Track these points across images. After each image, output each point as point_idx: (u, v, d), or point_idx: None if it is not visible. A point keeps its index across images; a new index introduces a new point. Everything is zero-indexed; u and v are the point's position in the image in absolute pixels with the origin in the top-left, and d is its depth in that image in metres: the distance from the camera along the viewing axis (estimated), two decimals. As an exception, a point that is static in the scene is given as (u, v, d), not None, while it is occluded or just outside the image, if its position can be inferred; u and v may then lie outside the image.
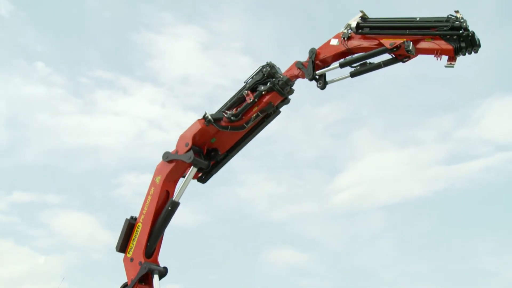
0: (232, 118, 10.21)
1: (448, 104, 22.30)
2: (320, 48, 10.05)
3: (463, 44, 8.94)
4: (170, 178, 10.22)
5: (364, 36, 9.68)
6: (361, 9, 9.86)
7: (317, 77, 9.98)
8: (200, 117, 10.14)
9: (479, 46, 9.00)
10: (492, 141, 21.75)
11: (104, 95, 23.13)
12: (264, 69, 10.16)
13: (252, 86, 10.20)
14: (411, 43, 9.20)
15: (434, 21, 9.16)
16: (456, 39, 8.98)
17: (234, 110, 10.28)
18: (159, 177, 10.19)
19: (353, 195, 22.06)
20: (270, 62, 10.21)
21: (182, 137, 10.17)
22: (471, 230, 20.77)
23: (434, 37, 9.13)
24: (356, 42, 9.72)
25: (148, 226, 10.00)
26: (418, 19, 9.24)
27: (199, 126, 10.09)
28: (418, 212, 21.56)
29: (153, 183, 10.22)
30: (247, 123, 10.23)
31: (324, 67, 10.02)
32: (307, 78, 10.04)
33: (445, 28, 9.03)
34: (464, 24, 8.95)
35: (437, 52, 9.10)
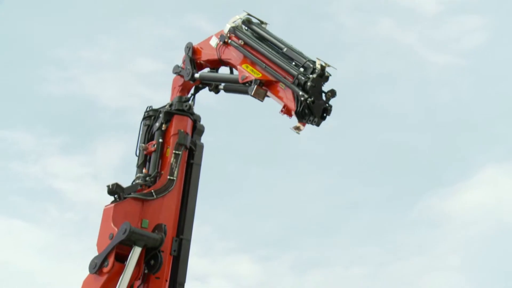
0: (147, 178, 7.44)
1: None
2: (200, 44, 7.97)
3: (306, 110, 6.48)
4: None
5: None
6: (245, 9, 7.62)
7: (197, 76, 7.77)
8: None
9: (321, 119, 6.56)
10: None
11: None
12: (146, 114, 7.96)
13: (147, 137, 7.84)
14: (255, 87, 6.83)
15: (290, 64, 6.77)
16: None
17: (145, 171, 7.58)
18: None
19: None
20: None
21: (99, 240, 7.10)
22: None
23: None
24: (228, 53, 7.49)
25: None
26: (285, 50, 6.90)
27: (110, 211, 7.14)
28: None
29: None
30: (171, 175, 7.40)
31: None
32: (185, 79, 7.86)
33: (289, 80, 6.61)
34: (311, 84, 6.42)
35: (283, 108, 6.74)
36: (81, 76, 19.14)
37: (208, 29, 17.49)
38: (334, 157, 18.37)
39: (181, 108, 7.75)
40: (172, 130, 7.63)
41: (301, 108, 6.45)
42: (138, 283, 7.02)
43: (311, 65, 6.54)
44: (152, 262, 6.98)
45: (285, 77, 6.64)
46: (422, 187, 18.70)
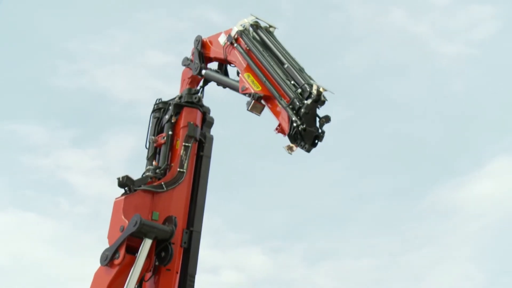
0: (157, 171, 7.44)
1: None
2: (209, 38, 7.96)
3: (298, 135, 6.49)
4: None
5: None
6: (252, 13, 7.62)
7: (203, 73, 7.79)
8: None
9: (312, 146, 6.53)
10: None
11: None
12: (156, 106, 7.96)
13: (156, 129, 7.83)
14: (253, 102, 6.89)
15: (288, 84, 6.74)
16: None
17: (155, 163, 7.58)
18: None
19: None
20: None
21: (110, 233, 7.11)
22: None
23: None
24: (233, 56, 7.49)
25: None
26: (286, 66, 6.88)
27: (121, 203, 7.16)
28: None
29: None
30: (181, 167, 7.41)
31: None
32: (193, 74, 7.90)
33: (285, 100, 6.63)
34: (305, 110, 6.39)
35: (278, 126, 6.75)
36: (92, 69, 19.21)
37: (219, 22, 17.55)
38: (344, 148, 18.32)
39: (190, 100, 7.76)
40: (182, 123, 7.64)
41: (293, 132, 6.48)
42: (149, 275, 7.04)
43: (308, 89, 6.51)
44: (162, 254, 7.00)
45: (282, 96, 6.66)
46: (432, 178, 18.66)
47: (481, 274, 17.50)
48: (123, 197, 7.18)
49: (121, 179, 7.22)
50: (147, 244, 6.85)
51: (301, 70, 6.86)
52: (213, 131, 7.85)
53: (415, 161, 18.70)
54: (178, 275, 7.06)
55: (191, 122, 7.61)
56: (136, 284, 6.84)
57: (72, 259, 16.81)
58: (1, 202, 17.96)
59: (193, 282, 7.11)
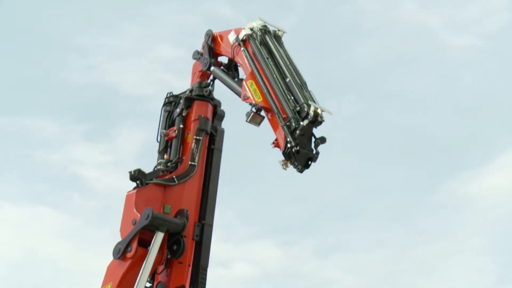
0: (169, 164, 7.46)
1: None
2: (220, 33, 7.95)
3: (292, 155, 6.55)
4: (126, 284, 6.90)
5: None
6: (261, 17, 7.62)
7: (212, 68, 7.77)
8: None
9: (305, 167, 6.58)
10: None
11: None
12: (167, 100, 7.97)
13: (167, 123, 7.84)
14: (252, 114, 7.00)
15: (288, 101, 6.75)
16: None
17: (166, 157, 7.59)
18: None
19: None
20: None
21: (123, 226, 7.13)
22: None
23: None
24: (240, 58, 7.48)
25: None
26: (288, 80, 6.89)
27: (133, 197, 7.18)
28: None
29: None
30: (193, 160, 7.43)
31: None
32: (203, 69, 7.90)
33: (280, 120, 6.68)
34: (300, 132, 6.44)
35: (275, 141, 6.83)
36: (103, 64, 19.24)
37: (230, 16, 17.54)
38: (356, 141, 18.30)
39: (201, 94, 7.77)
40: (193, 116, 7.64)
41: (287, 151, 6.52)
42: (161, 268, 7.07)
43: (306, 109, 6.53)
44: (174, 247, 7.03)
45: (281, 111, 6.67)
46: (444, 171, 18.59)
47: (493, 266, 17.47)
48: (135, 190, 7.21)
49: (133, 173, 7.24)
50: (159, 237, 6.88)
51: (302, 86, 6.88)
52: (224, 124, 7.87)
53: (426, 154, 18.66)
54: (190, 268, 7.08)
55: (202, 116, 7.63)
56: (148, 277, 6.89)
57: (85, 252, 16.89)
58: (14, 197, 18.10)
59: (205, 275, 7.13)
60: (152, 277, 7.10)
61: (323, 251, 18.19)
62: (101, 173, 18.89)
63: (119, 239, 7.04)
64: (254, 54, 7.22)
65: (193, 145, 7.48)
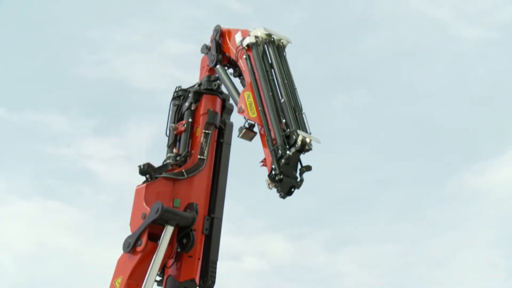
0: (178, 158, 7.47)
1: None
2: (228, 30, 7.90)
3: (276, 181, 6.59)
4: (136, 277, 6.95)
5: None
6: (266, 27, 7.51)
7: (217, 67, 7.74)
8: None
9: (287, 194, 6.61)
10: None
11: None
12: (176, 94, 7.99)
13: (176, 117, 7.84)
14: (244, 131, 7.10)
15: (278, 125, 6.73)
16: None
17: (175, 151, 7.60)
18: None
19: None
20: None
21: (132, 220, 7.16)
22: None
23: None
24: (242, 63, 7.43)
25: None
26: (282, 101, 6.86)
27: (142, 191, 7.20)
28: None
29: None
30: (202, 154, 7.44)
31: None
32: (209, 65, 7.88)
33: (269, 144, 6.71)
34: (285, 161, 6.47)
35: (264, 160, 6.86)
36: (113, 59, 19.28)
37: (239, 9, 17.51)
38: (367, 133, 18.27)
39: (210, 88, 7.76)
40: (202, 110, 7.66)
41: (272, 176, 6.56)
42: (171, 261, 7.10)
43: (294, 137, 6.53)
44: (184, 240, 7.05)
45: (271, 133, 6.67)
46: (456, 163, 18.54)
47: (504, 260, 17.41)
48: (145, 184, 7.23)
49: (142, 167, 7.26)
50: (169, 231, 6.91)
51: (295, 109, 6.84)
52: (233, 117, 7.86)
53: (438, 146, 18.59)
54: (200, 262, 7.10)
55: (211, 109, 7.63)
56: (158, 270, 6.92)
57: (95, 246, 16.98)
58: (26, 191, 18.20)
59: (215, 268, 7.14)
60: (162, 270, 7.14)
61: (333, 244, 18.20)
62: (112, 167, 18.98)
63: (129, 233, 7.08)
64: (255, 65, 7.16)
65: (202, 139, 7.50)
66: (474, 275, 17.31)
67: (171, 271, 7.13)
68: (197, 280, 7.02)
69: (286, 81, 7.05)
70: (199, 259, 7.12)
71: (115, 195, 17.67)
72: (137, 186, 7.31)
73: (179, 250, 7.10)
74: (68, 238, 17.61)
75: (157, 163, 7.47)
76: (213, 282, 7.06)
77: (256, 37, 7.30)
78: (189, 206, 7.17)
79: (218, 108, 7.71)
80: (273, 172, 6.53)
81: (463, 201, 18.37)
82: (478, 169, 18.69)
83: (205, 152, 7.45)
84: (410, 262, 17.59)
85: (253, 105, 6.96)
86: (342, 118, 18.76)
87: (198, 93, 7.74)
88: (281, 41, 7.44)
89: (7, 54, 18.32)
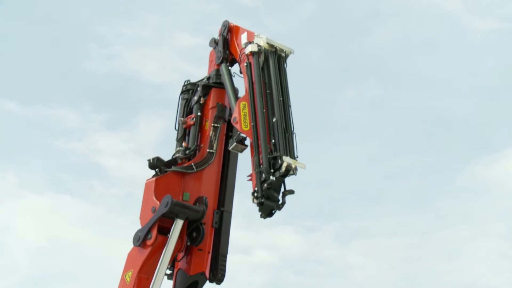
0: (187, 152, 7.49)
1: None
2: (236, 26, 7.84)
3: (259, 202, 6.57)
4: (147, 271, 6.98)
5: None
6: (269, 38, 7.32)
7: (221, 66, 7.70)
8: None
9: (268, 215, 6.64)
10: None
11: None
12: (185, 88, 7.99)
13: (185, 111, 7.86)
14: (235, 144, 7.07)
15: (266, 146, 6.68)
16: None
17: (184, 144, 7.63)
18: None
19: None
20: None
21: (142, 214, 7.20)
22: None
23: None
24: (243, 69, 7.33)
25: None
26: (274, 120, 6.78)
27: (152, 185, 7.22)
28: None
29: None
30: (211, 148, 7.45)
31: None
32: (216, 62, 7.83)
33: (255, 164, 6.67)
34: (267, 186, 6.45)
35: (250, 175, 6.80)
36: (123, 53, 19.31)
37: (249, 3, 17.47)
38: (377, 126, 18.22)
39: (218, 81, 7.74)
40: (210, 103, 7.66)
41: (253, 197, 6.53)
42: (181, 255, 7.14)
43: (279, 162, 6.49)
44: (194, 234, 7.08)
45: (259, 152, 6.61)
46: (466, 154, 18.46)
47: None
48: (154, 178, 7.25)
49: (151, 161, 7.29)
50: (178, 224, 6.93)
51: (286, 130, 6.78)
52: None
53: (448, 138, 18.52)
54: (210, 255, 7.12)
55: (220, 103, 7.64)
56: (168, 264, 6.95)
57: (106, 240, 17.04)
58: (37, 185, 18.28)
59: (225, 262, 7.15)
60: (172, 264, 7.17)
61: (344, 236, 18.17)
62: (122, 161, 19.01)
63: (139, 226, 7.11)
64: (254, 76, 7.05)
65: (211, 132, 7.51)
66: (485, 267, 17.28)
67: (181, 264, 7.16)
68: (207, 274, 7.05)
69: (281, 98, 6.97)
70: (209, 252, 7.13)
71: (126, 189, 17.71)
72: (147, 180, 7.34)
73: (189, 243, 7.12)
74: (80, 232, 17.68)
75: (167, 157, 7.51)
76: (223, 276, 7.08)
77: (259, 46, 7.18)
78: (199, 200, 7.19)
79: (227, 102, 7.69)
80: (255, 194, 6.52)
81: (474, 193, 18.31)
82: (489, 161, 18.61)
83: (214, 145, 7.47)
84: (420, 255, 17.55)
85: (247, 117, 6.88)
86: (351, 110, 18.72)
87: (207, 87, 7.74)
88: (283, 51, 7.30)
89: (18, 49, 18.44)
